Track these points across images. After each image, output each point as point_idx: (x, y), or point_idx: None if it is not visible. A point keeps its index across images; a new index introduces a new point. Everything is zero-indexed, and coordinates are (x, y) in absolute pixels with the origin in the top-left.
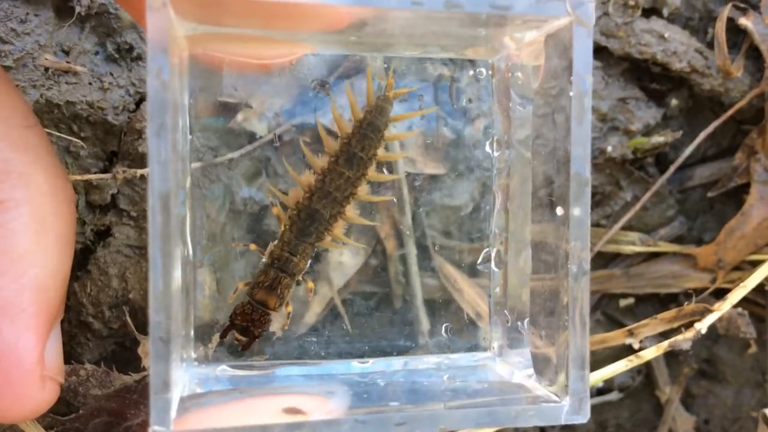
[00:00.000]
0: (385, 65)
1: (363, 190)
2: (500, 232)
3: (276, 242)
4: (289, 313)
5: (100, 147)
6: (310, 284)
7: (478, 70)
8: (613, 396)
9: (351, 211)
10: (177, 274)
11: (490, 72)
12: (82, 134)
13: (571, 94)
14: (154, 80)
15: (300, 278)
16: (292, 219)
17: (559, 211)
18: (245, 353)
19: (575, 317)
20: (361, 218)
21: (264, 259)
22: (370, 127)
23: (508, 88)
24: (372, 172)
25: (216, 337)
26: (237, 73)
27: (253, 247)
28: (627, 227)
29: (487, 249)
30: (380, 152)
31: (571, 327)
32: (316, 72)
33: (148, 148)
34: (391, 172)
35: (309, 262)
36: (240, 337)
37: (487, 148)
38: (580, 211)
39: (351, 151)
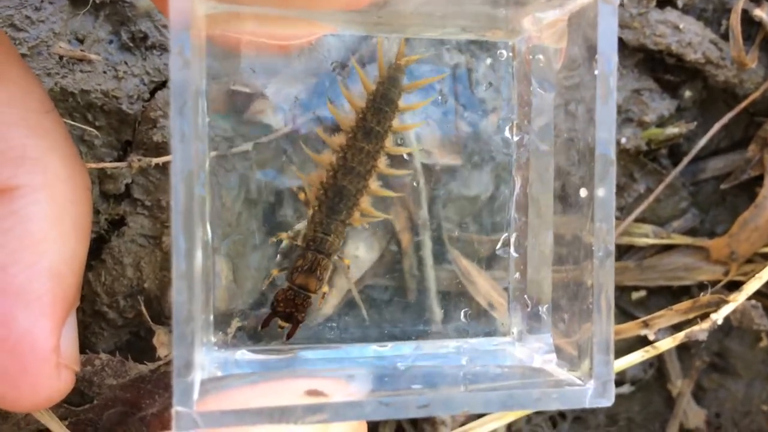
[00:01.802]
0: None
1: (382, 163)
2: (520, 217)
3: (307, 225)
4: (324, 294)
5: (114, 136)
6: (347, 261)
7: (498, 52)
8: (625, 389)
9: (374, 184)
10: (199, 255)
11: (510, 54)
12: (97, 123)
13: (596, 73)
14: (176, 58)
15: (336, 257)
16: (320, 199)
17: (583, 192)
18: (264, 338)
19: (600, 300)
20: (385, 190)
21: (298, 243)
22: (383, 100)
23: (528, 71)
24: (389, 144)
25: (235, 323)
26: (255, 54)
27: (284, 236)
28: (640, 219)
29: (506, 234)
30: (395, 123)
31: (596, 311)
32: (335, 53)
33: (170, 126)
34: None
35: (343, 240)
36: (284, 323)
37: (507, 133)
38: (605, 192)
39: (367, 126)
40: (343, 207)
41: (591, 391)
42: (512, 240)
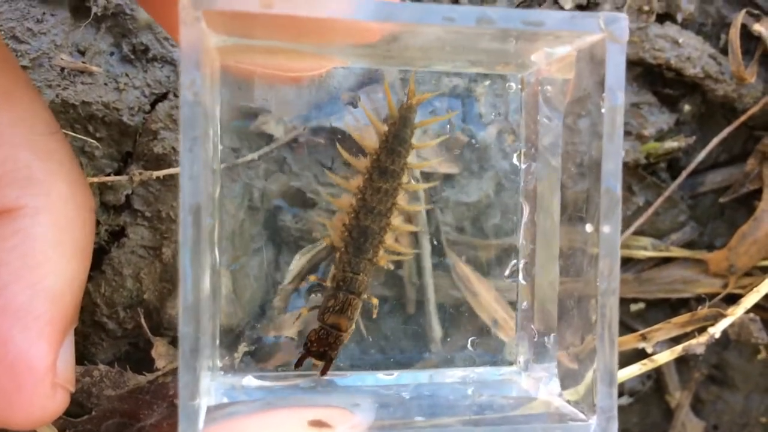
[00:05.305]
0: (401, 76)
1: (401, 200)
2: (528, 244)
3: (336, 266)
4: (351, 332)
5: (115, 147)
6: (374, 300)
7: (507, 84)
8: (623, 401)
9: (396, 220)
10: (206, 285)
11: (519, 86)
12: (98, 135)
13: (602, 110)
14: (187, 93)
15: (365, 295)
16: (346, 240)
17: (589, 228)
18: (270, 362)
19: (604, 335)
20: (406, 225)
21: (327, 284)
22: (396, 140)
23: (537, 101)
24: (405, 180)
25: (242, 347)
26: (267, 84)
27: (312, 278)
28: (639, 232)
29: (515, 262)
30: (410, 159)
31: (599, 344)
32: (346, 85)
33: (180, 162)
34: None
35: (370, 278)
36: (318, 362)
37: (515, 161)
38: (610, 228)
39: (382, 166)
40: (369, 246)
41: (594, 426)
42: (521, 267)
